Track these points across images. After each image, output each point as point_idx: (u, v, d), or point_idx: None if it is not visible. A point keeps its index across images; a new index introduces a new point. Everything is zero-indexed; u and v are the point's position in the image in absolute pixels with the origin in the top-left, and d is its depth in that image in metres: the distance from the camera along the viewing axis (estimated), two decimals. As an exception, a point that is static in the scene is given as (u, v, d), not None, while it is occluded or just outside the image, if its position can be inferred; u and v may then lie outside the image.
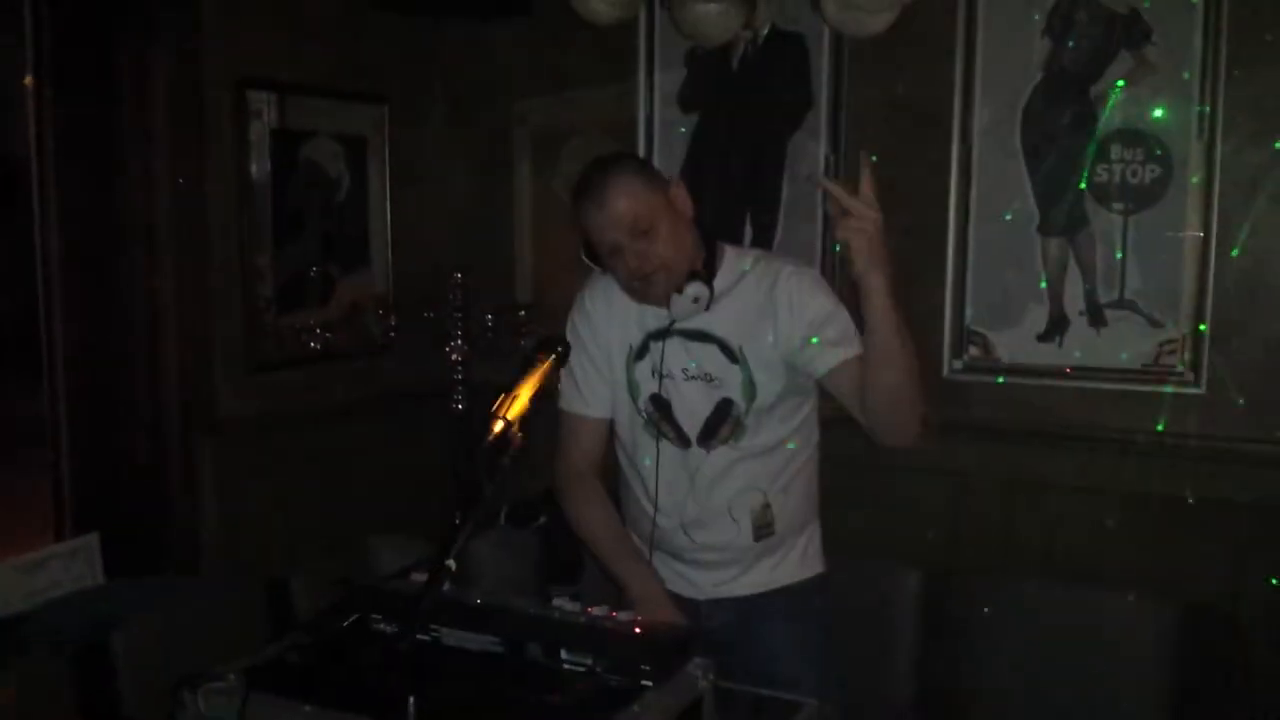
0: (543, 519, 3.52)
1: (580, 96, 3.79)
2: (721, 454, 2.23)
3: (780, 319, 2.16)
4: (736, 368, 2.17)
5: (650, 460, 2.28)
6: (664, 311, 2.19)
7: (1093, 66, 3.07)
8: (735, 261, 2.23)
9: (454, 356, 3.61)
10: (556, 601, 1.83)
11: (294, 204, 3.48)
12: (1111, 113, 3.06)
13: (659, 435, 2.26)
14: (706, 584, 2.30)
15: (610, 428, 2.36)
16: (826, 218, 3.42)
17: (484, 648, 1.70)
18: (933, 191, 3.24)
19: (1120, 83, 3.04)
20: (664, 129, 3.65)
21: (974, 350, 3.25)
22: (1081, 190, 3.10)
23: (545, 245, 3.92)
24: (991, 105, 3.19)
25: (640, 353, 2.25)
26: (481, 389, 3.59)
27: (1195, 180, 2.96)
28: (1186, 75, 2.95)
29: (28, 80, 2.97)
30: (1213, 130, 2.95)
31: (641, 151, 3.67)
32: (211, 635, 2.46)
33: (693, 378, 2.20)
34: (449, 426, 3.63)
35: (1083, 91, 3.09)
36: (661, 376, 2.21)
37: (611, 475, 2.43)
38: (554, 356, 1.92)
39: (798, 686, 2.00)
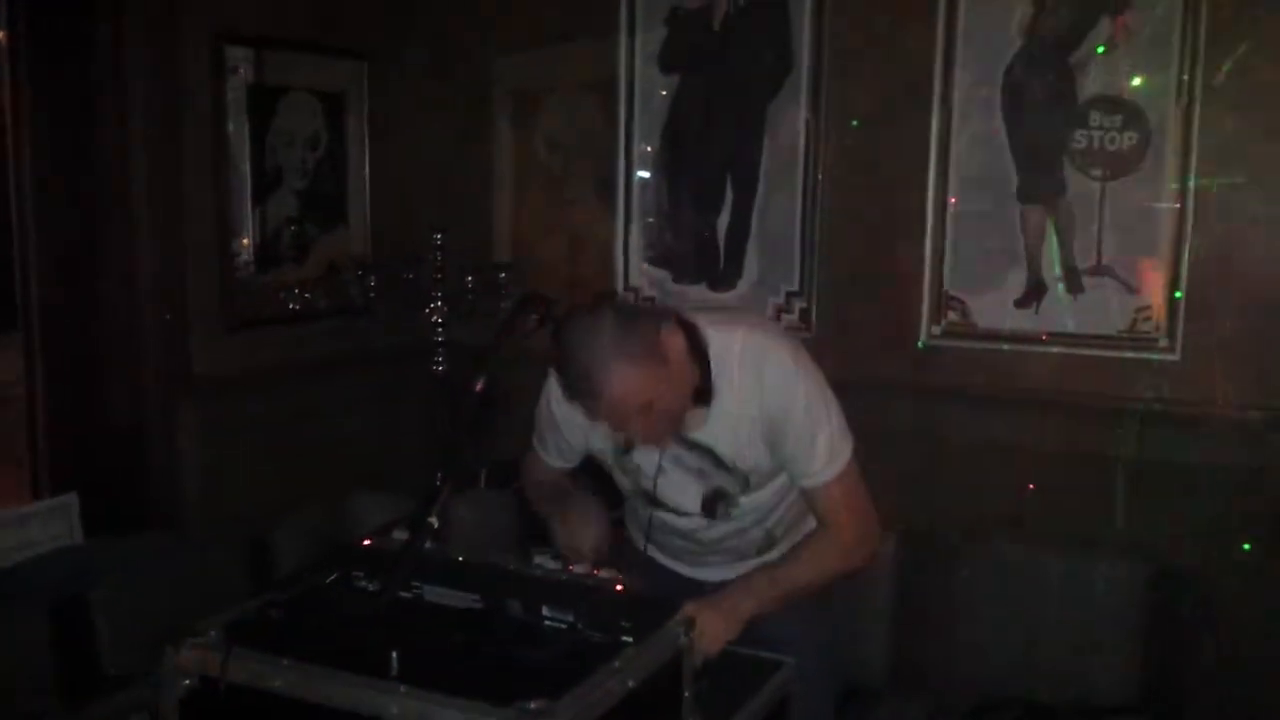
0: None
1: (560, 54, 3.76)
2: (722, 521, 2.18)
3: (765, 430, 2.05)
4: (728, 473, 2.10)
5: (644, 514, 2.25)
6: None
7: (1073, 33, 3.07)
8: (723, 360, 2.03)
9: (434, 317, 3.60)
10: (538, 560, 1.85)
11: (271, 162, 3.44)
12: (1091, 78, 3.07)
13: (654, 510, 2.22)
14: (705, 573, 2.28)
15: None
16: (806, 182, 3.43)
17: (466, 604, 1.71)
18: (913, 157, 3.25)
19: (1100, 49, 3.05)
20: (644, 89, 3.63)
21: (952, 315, 3.27)
22: (1060, 157, 3.11)
23: (525, 205, 3.90)
24: (972, 71, 3.19)
25: (626, 450, 2.15)
26: (461, 349, 3.58)
27: (1173, 147, 2.98)
28: (1166, 42, 2.96)
29: (1, 35, 2.92)
30: (1191, 97, 2.96)
31: (622, 113, 3.65)
32: (191, 593, 2.47)
33: (686, 469, 2.12)
34: (429, 386, 3.62)
35: (1063, 58, 3.09)
36: (650, 476, 2.13)
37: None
38: (534, 317, 1.92)
39: (784, 650, 2.02)
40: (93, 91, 3.01)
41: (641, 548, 2.28)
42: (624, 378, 1.85)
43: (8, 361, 3.27)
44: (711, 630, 1.85)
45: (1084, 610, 2.88)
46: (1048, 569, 2.94)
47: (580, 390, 1.90)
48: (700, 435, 2.06)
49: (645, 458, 2.12)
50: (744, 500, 2.14)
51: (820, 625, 2.22)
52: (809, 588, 2.07)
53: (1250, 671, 2.86)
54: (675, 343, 1.94)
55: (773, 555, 2.21)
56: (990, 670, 2.92)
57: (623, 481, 2.22)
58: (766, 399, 2.01)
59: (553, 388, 2.12)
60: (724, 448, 2.07)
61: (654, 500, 2.17)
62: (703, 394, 2.00)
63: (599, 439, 2.16)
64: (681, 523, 2.20)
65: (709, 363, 2.01)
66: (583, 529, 2.09)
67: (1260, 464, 2.89)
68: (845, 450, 2.07)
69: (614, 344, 1.85)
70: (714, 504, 2.15)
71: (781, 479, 2.15)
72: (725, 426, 2.05)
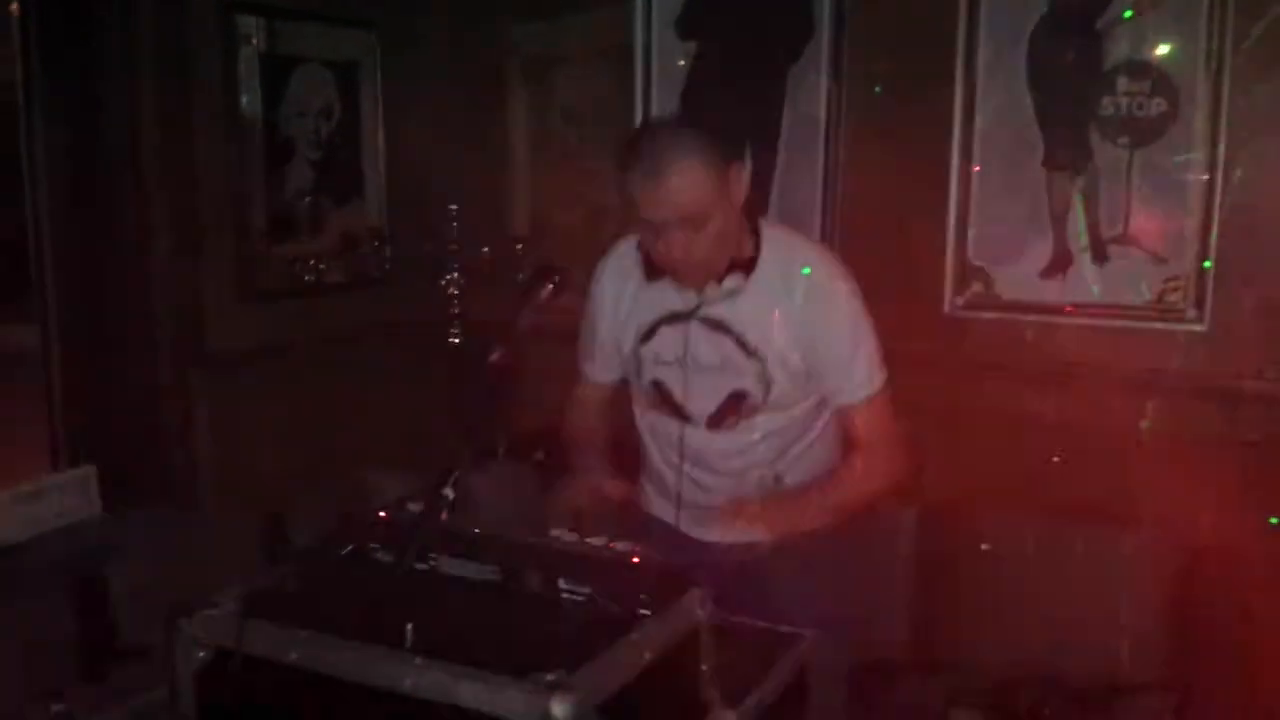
0: (540, 453, 3.52)
1: (576, 21, 3.72)
2: (728, 437, 2.16)
3: (801, 333, 2.07)
4: (753, 361, 2.08)
5: (657, 430, 2.26)
6: (686, 294, 2.09)
7: (1100, -4, 3.01)
8: (774, 249, 2.09)
9: (450, 290, 3.58)
10: (555, 532, 1.82)
11: (284, 133, 3.42)
12: (1118, 44, 3.01)
13: (662, 412, 2.22)
14: (714, 533, 2.25)
15: (616, 386, 2.34)
16: (827, 150, 3.38)
17: (482, 577, 1.69)
18: (936, 125, 3.20)
19: (1127, 13, 2.98)
20: (662, 56, 3.58)
21: (976, 286, 3.22)
22: (1087, 123, 3.05)
23: (541, 175, 3.87)
24: (997, 36, 3.13)
25: (649, 334, 2.16)
26: (478, 321, 3.56)
27: (1202, 113, 2.92)
28: (1195, 5, 2.89)
29: (14, 7, 2.90)
30: (1220, 63, 2.90)
31: (639, 81, 3.61)
32: (208, 566, 2.45)
33: (705, 367, 2.11)
34: (445, 359, 3.61)
35: (1089, 22, 3.03)
36: (668, 364, 2.14)
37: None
38: (550, 287, 1.89)
39: (798, 621, 1.99)
40: (104, 63, 2.99)
41: (671, 509, 2.27)
42: (691, 172, 1.91)
43: (25, 334, 3.26)
44: (750, 510, 1.97)
45: (1108, 586, 2.84)
46: (1071, 544, 2.91)
47: (643, 175, 1.92)
48: (728, 314, 2.07)
49: (667, 345, 2.13)
50: (761, 417, 2.13)
51: (834, 597, 2.20)
52: (835, 508, 2.10)
53: (1277, 648, 2.83)
54: (740, 184, 2.01)
55: None
56: (1012, 647, 2.89)
57: (643, 378, 2.21)
58: (808, 303, 2.04)
59: (603, 265, 2.24)
60: (751, 331, 2.07)
61: (670, 399, 2.16)
62: (743, 263, 2.04)
63: (629, 319, 2.18)
64: (694, 436, 2.19)
65: (759, 241, 2.06)
66: (571, 493, 2.19)
67: (1290, 437, 2.85)
68: (882, 374, 2.12)
69: (692, 144, 1.94)
70: (728, 412, 2.13)
71: (802, 410, 2.15)
72: (757, 310, 2.06)
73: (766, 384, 2.09)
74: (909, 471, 2.21)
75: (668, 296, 2.13)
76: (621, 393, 2.36)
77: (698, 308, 2.09)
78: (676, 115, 2.10)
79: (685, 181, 1.91)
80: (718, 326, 2.08)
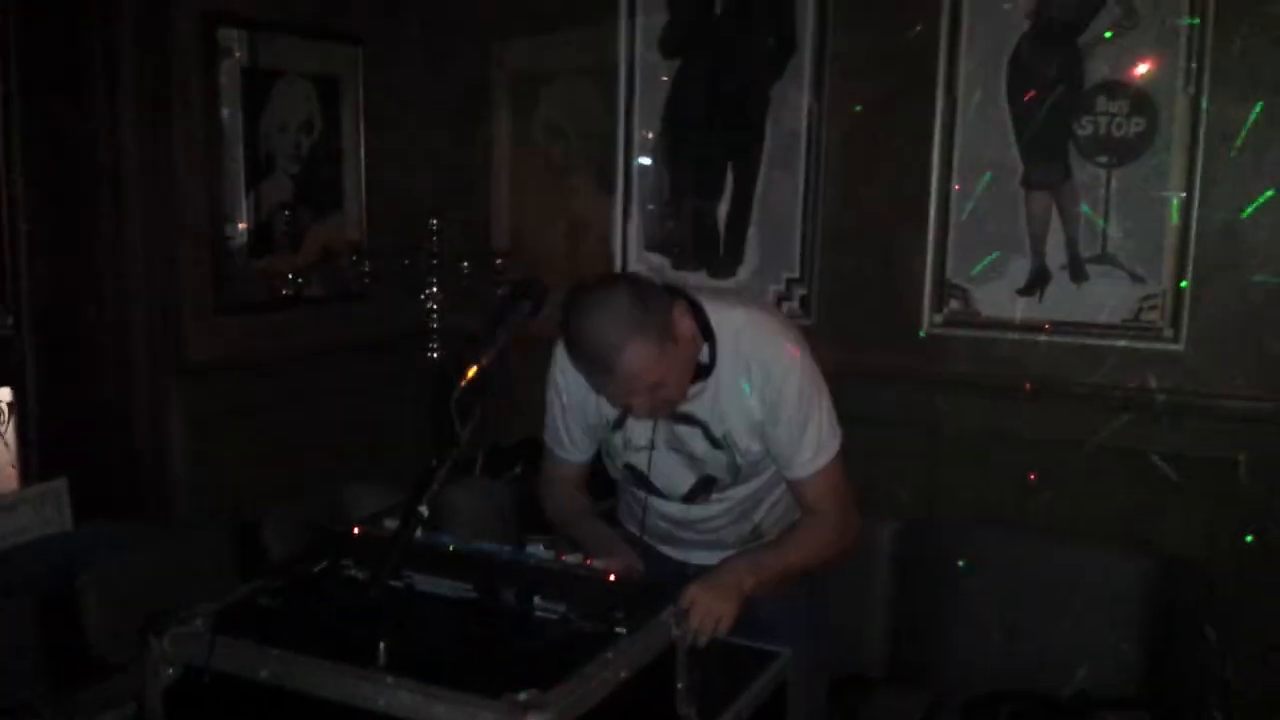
0: (518, 469, 3.51)
1: (559, 38, 3.72)
2: (705, 507, 2.18)
3: (757, 418, 2.05)
4: (721, 453, 2.09)
5: (633, 494, 2.25)
6: None
7: (1080, 16, 3.03)
8: (723, 339, 2.03)
9: (429, 304, 3.57)
10: (530, 549, 1.81)
11: (265, 146, 3.40)
12: (1098, 64, 3.03)
13: (637, 488, 2.22)
14: (694, 558, 2.26)
15: (594, 459, 2.30)
16: (808, 168, 3.39)
17: (457, 594, 1.68)
18: (916, 142, 3.21)
19: (1108, 34, 3.01)
20: (645, 74, 3.59)
21: (954, 304, 3.23)
22: (1066, 143, 3.07)
23: (523, 191, 3.87)
24: (978, 54, 3.15)
25: (618, 423, 2.14)
26: (457, 336, 3.55)
27: (1180, 134, 2.94)
28: (1175, 26, 2.92)
29: (-7, 15, 2.88)
30: (1199, 84, 2.92)
31: (622, 98, 3.61)
32: (181, 579, 2.44)
33: (673, 450, 2.12)
34: (424, 373, 3.59)
35: (1070, 42, 3.05)
36: (639, 449, 2.13)
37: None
38: (530, 303, 1.88)
39: (777, 637, 1.99)
40: (83, 72, 2.97)
41: (637, 534, 2.26)
42: (639, 355, 1.84)
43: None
44: (716, 611, 1.82)
45: (1085, 602, 2.84)
46: (1049, 560, 2.91)
47: (593, 365, 1.89)
48: (694, 408, 2.06)
49: (637, 433, 2.12)
50: (732, 489, 2.14)
51: (811, 612, 2.21)
52: (800, 568, 2.07)
53: (1253, 664, 2.83)
54: (686, 323, 1.95)
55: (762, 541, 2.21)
56: (989, 661, 2.89)
57: (614, 460, 2.20)
58: (762, 382, 2.02)
59: (559, 357, 2.14)
60: (715, 424, 2.06)
61: (645, 480, 2.16)
62: (701, 369, 2.01)
63: (595, 412, 2.15)
64: (670, 508, 2.20)
65: (713, 339, 2.01)
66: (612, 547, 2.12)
67: (1264, 455, 2.86)
68: (833, 444, 2.08)
69: (630, 321, 1.84)
70: (700, 492, 2.14)
71: (770, 472, 2.15)
72: (719, 402, 2.05)
73: (734, 470, 2.11)
74: (858, 532, 2.17)
75: None
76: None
77: None
78: (604, 279, 1.98)
79: (636, 366, 1.85)
80: (686, 419, 2.08)
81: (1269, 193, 2.87)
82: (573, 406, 2.18)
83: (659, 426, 2.08)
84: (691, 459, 2.11)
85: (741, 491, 2.16)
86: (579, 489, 2.29)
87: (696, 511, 2.18)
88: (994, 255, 3.17)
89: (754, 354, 2.02)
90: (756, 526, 2.21)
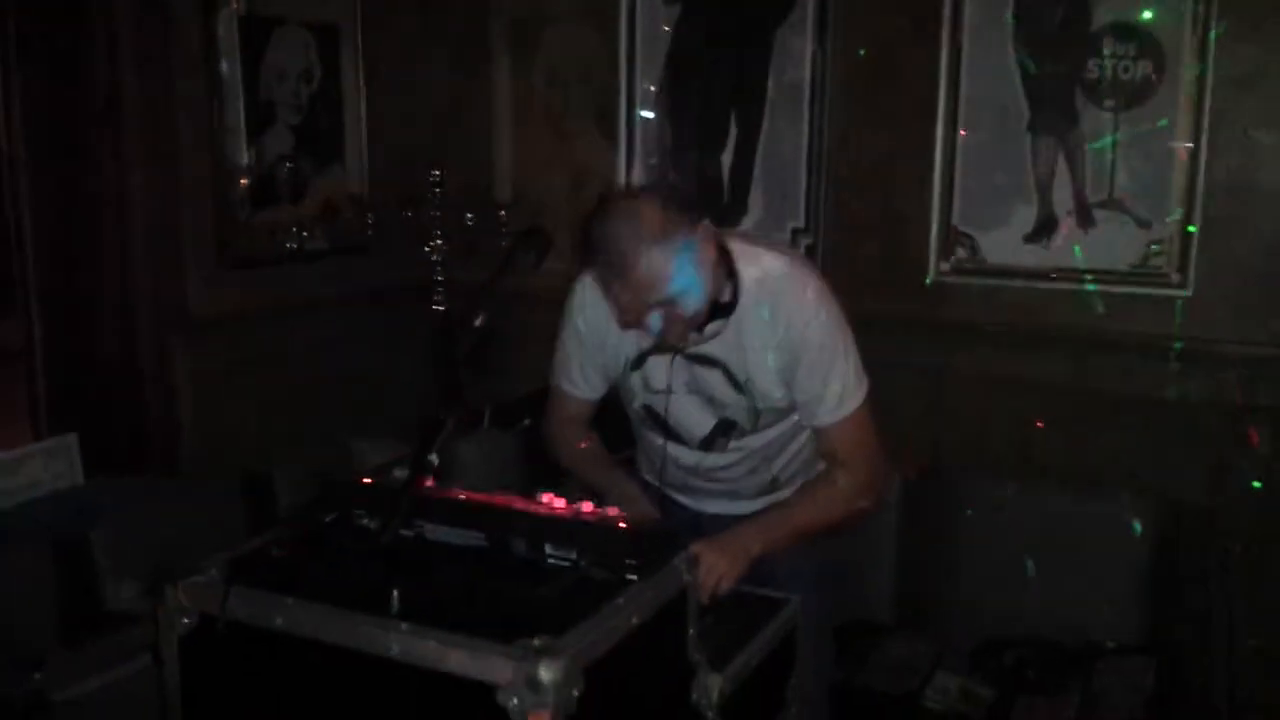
0: (527, 421, 3.51)
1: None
2: (723, 455, 2.16)
3: (782, 365, 2.03)
4: (741, 397, 2.06)
5: (650, 441, 2.23)
6: None
7: (1088, -43, 2.99)
8: (749, 285, 2.02)
9: (433, 256, 3.56)
10: (542, 498, 1.82)
11: (264, 96, 3.37)
12: (1105, 7, 2.99)
13: (654, 432, 2.20)
14: (709, 507, 2.27)
15: (602, 399, 2.28)
16: (812, 116, 3.36)
17: (468, 542, 1.68)
18: (922, 88, 3.18)
19: (1115, -26, 2.97)
20: (646, 19, 3.55)
21: (961, 252, 3.22)
22: (1073, 86, 3.04)
23: (525, 140, 3.84)
24: (983, -1, 3.11)
25: (637, 363, 2.13)
26: (461, 287, 3.54)
27: (1188, 77, 2.91)
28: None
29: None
30: (1206, 26, 2.88)
31: (623, 45, 3.57)
32: (191, 532, 2.44)
33: (693, 392, 2.09)
34: (429, 325, 3.59)
35: (1077, -17, 3.02)
36: (658, 392, 2.11)
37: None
38: (535, 252, 1.87)
39: (785, 579, 2.00)
40: (82, 26, 2.93)
41: (655, 482, 2.26)
42: (655, 262, 1.83)
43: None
44: (719, 569, 1.86)
45: (1091, 549, 2.86)
46: (1055, 507, 2.92)
47: (609, 270, 1.88)
48: (714, 349, 2.04)
49: (656, 373, 2.10)
50: (750, 437, 2.12)
51: (821, 558, 2.20)
52: (814, 528, 2.07)
53: (1259, 611, 2.85)
54: (708, 244, 1.93)
55: (779, 493, 2.20)
56: (996, 608, 2.91)
57: (634, 402, 2.18)
58: (785, 326, 2.00)
59: (580, 294, 2.13)
60: (736, 364, 2.05)
61: (662, 423, 2.14)
62: (723, 307, 1.99)
63: (615, 350, 2.14)
64: (687, 456, 2.18)
65: (735, 277, 2.00)
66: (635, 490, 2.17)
67: (1271, 401, 2.86)
68: (858, 393, 2.06)
69: (651, 228, 1.84)
70: (718, 437, 2.12)
71: (791, 420, 2.13)
72: (740, 344, 2.03)
73: (755, 416, 2.09)
74: (884, 483, 2.17)
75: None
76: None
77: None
78: (631, 190, 1.96)
79: (650, 273, 1.84)
80: (705, 360, 2.06)
81: None
82: (590, 346, 2.17)
83: (678, 368, 2.06)
84: (710, 401, 2.09)
85: (759, 440, 2.14)
86: (588, 431, 2.28)
87: (714, 459, 2.17)
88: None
89: (779, 297, 2.00)
90: (775, 478, 2.20)
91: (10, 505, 2.60)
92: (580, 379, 2.23)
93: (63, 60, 2.93)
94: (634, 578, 1.56)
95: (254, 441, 3.21)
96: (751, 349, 2.03)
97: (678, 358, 2.06)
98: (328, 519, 1.75)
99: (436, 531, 1.71)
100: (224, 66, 3.24)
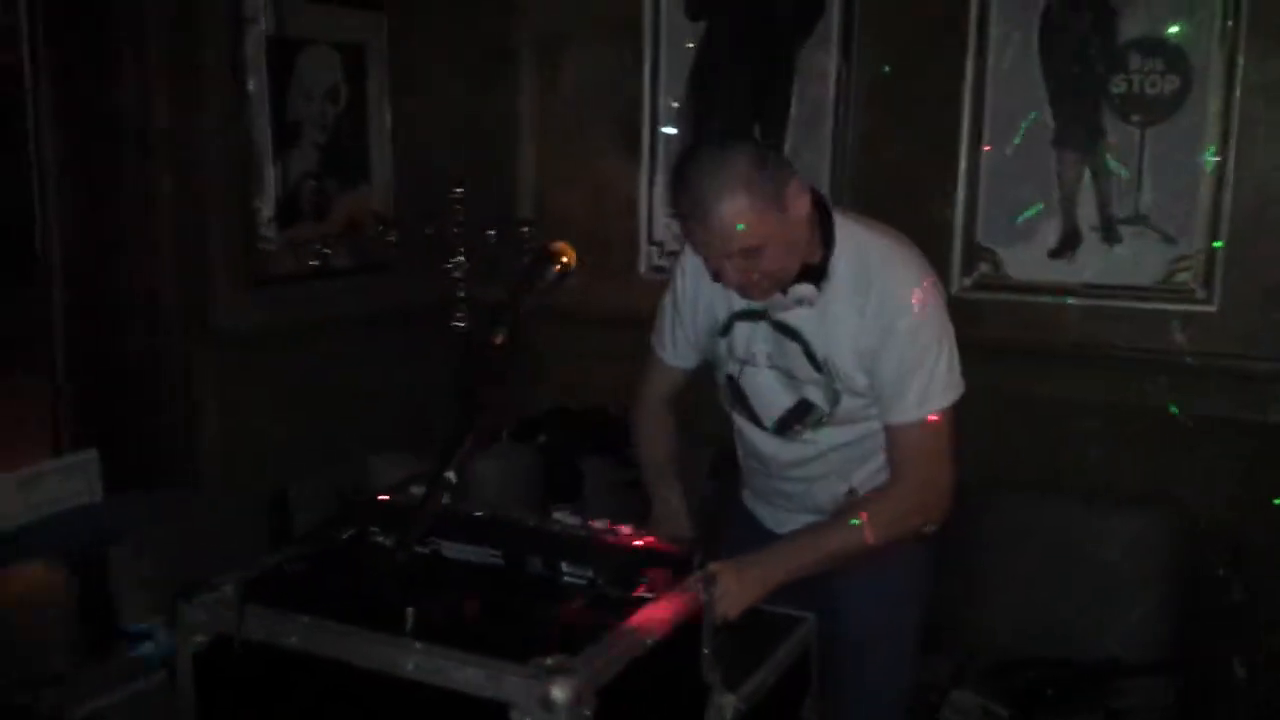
0: (544, 437, 3.51)
1: (584, 1, 3.68)
2: (794, 447, 2.10)
3: (866, 350, 1.94)
4: (820, 376, 1.99)
5: (737, 432, 2.21)
6: None
7: (1113, -29, 2.98)
8: (848, 252, 1.95)
9: (455, 273, 3.56)
10: (557, 515, 1.81)
11: (290, 115, 3.40)
12: (1131, 21, 2.97)
13: (736, 411, 2.17)
14: (786, 523, 2.19)
15: (694, 370, 2.26)
16: (836, 132, 3.35)
17: (484, 560, 1.68)
18: (946, 102, 3.17)
19: (1141, -10, 2.95)
20: (670, 36, 3.55)
21: (984, 267, 3.20)
22: (1099, 101, 3.02)
23: (548, 157, 3.85)
24: (1009, 13, 3.09)
25: (725, 329, 2.09)
26: (483, 305, 3.55)
27: (1215, 92, 2.88)
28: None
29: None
30: (1235, 41, 2.86)
31: (647, 61, 3.58)
32: (210, 549, 2.46)
33: (774, 366, 2.04)
34: (450, 343, 3.59)
35: (1103, -1, 3.00)
36: (741, 362, 2.07)
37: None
38: (556, 268, 1.86)
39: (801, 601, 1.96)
40: (112, 43, 2.97)
41: (749, 493, 2.26)
42: (738, 207, 1.79)
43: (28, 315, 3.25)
44: (732, 594, 1.79)
45: (1113, 566, 2.83)
46: (1077, 523, 2.90)
47: (693, 211, 1.83)
48: (798, 320, 1.98)
49: (740, 341, 2.06)
50: (828, 430, 2.04)
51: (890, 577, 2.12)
52: (858, 553, 1.94)
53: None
54: (800, 200, 1.88)
55: None
56: (1014, 626, 2.89)
57: (719, 373, 2.15)
58: (879, 309, 1.92)
59: (685, 253, 2.10)
60: (819, 341, 1.97)
61: (741, 396, 2.11)
62: (814, 272, 1.93)
63: (709, 312, 2.11)
64: (764, 443, 2.13)
65: (832, 244, 1.94)
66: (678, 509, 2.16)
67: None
68: (943, 397, 1.95)
69: (739, 173, 1.81)
70: (796, 420, 2.05)
71: (874, 425, 2.03)
72: (827, 319, 1.96)
73: (834, 398, 2.01)
74: (944, 506, 2.00)
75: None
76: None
77: (767, 309, 2.01)
78: (726, 136, 1.95)
79: (732, 219, 1.80)
80: (787, 331, 2.00)
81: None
82: (685, 306, 2.15)
83: (761, 337, 2.02)
84: (790, 378, 2.03)
85: (838, 436, 2.05)
86: (668, 415, 2.26)
87: (789, 451, 2.10)
88: (1037, 208, 3.11)
89: (877, 278, 1.92)
90: (854, 490, 2.09)
91: (29, 521, 2.61)
92: (670, 342, 2.21)
93: (92, 73, 2.96)
94: (649, 596, 1.55)
95: (275, 457, 3.22)
96: (838, 326, 1.95)
97: (761, 325, 2.02)
98: (344, 536, 1.75)
99: (453, 549, 1.71)
100: (251, 85, 3.26)
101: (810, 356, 1.99)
